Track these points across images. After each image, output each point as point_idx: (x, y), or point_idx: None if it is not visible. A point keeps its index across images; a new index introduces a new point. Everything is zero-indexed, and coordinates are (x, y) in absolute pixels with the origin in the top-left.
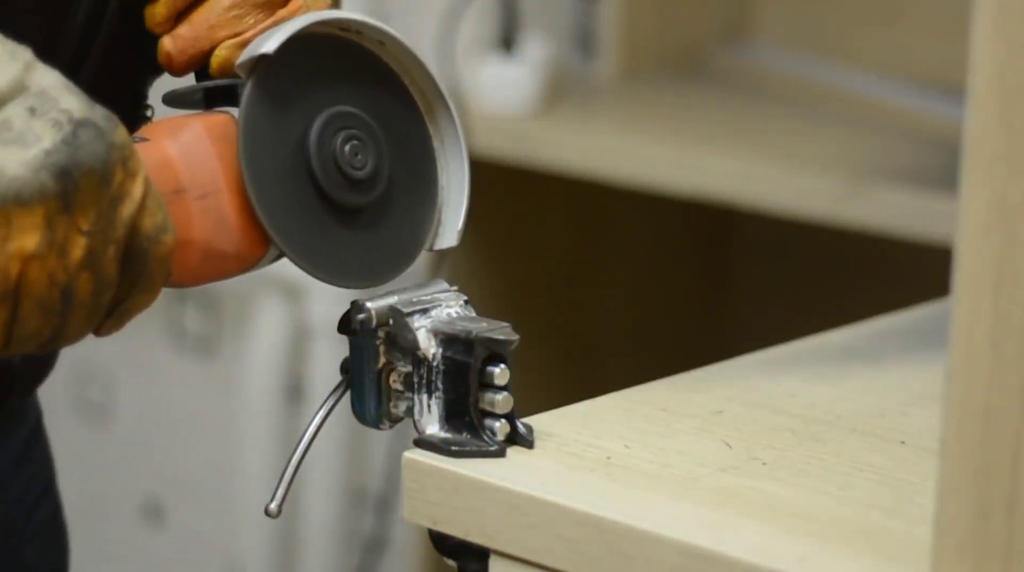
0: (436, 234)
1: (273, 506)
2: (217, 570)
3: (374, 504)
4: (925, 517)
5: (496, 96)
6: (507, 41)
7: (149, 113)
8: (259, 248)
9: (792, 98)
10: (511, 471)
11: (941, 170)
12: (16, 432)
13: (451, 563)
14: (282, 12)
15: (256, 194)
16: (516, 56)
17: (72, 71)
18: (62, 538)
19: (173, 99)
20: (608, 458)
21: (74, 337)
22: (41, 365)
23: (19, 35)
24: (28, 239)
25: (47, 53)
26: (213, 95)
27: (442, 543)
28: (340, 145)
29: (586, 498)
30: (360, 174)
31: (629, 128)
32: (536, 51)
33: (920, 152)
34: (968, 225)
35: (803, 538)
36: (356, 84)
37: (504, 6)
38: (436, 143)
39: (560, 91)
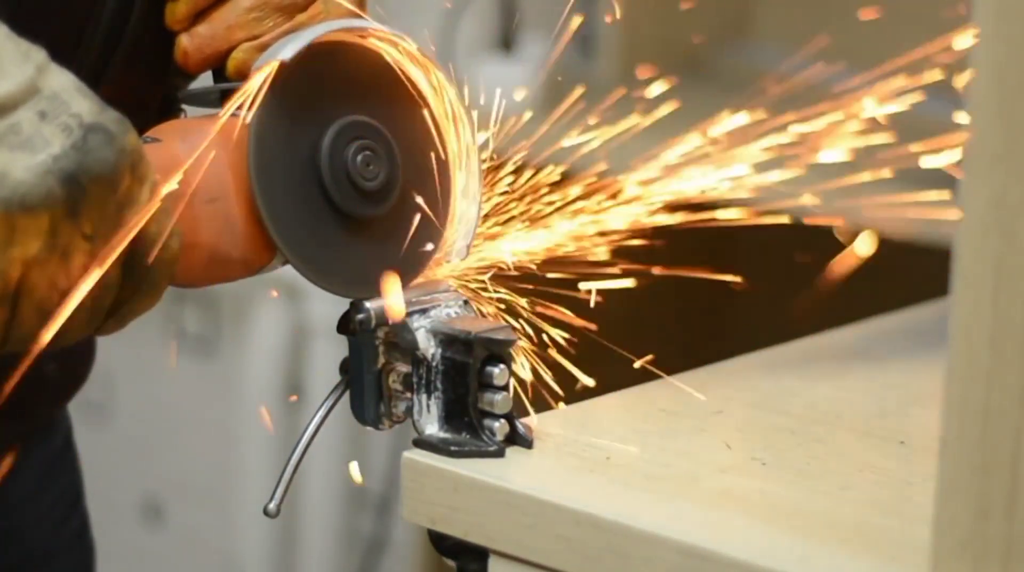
0: (446, 247)
1: (272, 506)
2: (217, 570)
3: (374, 504)
4: (925, 517)
5: (496, 96)
6: (507, 41)
7: (183, 116)
8: (265, 254)
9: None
10: (511, 471)
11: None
12: (45, 445)
13: (451, 563)
14: (301, 17)
15: (264, 201)
16: (516, 56)
17: (97, 72)
18: (89, 553)
19: (190, 98)
20: (608, 458)
21: (73, 338)
22: (74, 375)
23: (42, 35)
24: (31, 244)
25: (71, 54)
26: (229, 97)
27: (441, 543)
28: (352, 155)
29: (586, 498)
30: (371, 185)
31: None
32: (536, 51)
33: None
34: (967, 225)
35: (803, 538)
36: (373, 94)
37: (504, 6)
38: (451, 155)
39: (560, 91)
